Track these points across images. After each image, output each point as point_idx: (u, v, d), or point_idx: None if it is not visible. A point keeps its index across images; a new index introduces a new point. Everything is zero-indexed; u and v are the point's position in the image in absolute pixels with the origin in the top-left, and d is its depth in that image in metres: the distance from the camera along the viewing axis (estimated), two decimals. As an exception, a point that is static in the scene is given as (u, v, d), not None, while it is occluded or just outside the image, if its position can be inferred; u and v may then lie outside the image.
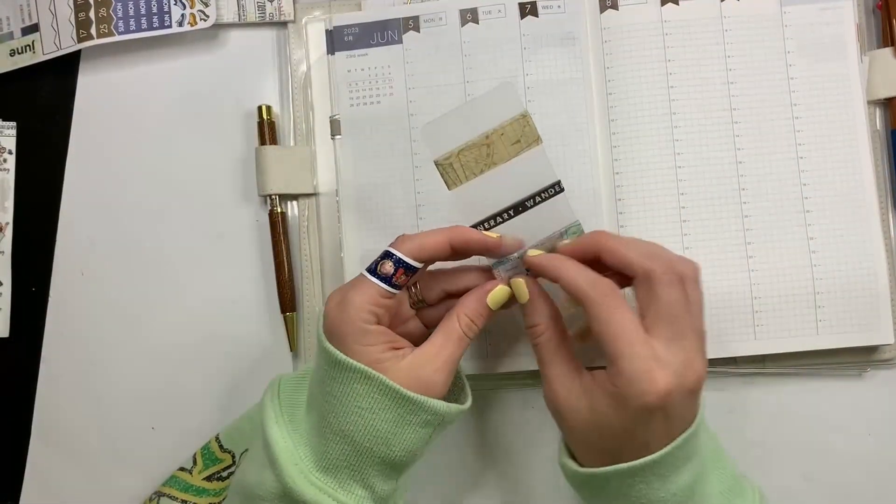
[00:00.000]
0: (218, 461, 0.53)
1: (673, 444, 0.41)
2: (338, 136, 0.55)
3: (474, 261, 0.48)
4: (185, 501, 0.52)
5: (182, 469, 0.54)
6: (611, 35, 0.54)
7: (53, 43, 0.58)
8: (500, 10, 0.55)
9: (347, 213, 0.55)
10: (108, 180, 0.59)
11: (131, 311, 0.58)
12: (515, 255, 0.46)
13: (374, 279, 0.44)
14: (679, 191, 0.53)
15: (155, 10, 0.57)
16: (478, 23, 0.55)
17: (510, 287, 0.46)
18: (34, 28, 0.59)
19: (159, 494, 0.53)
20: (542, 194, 0.47)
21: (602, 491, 0.43)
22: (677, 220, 0.53)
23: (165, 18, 0.57)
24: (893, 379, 0.54)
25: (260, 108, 0.58)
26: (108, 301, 0.58)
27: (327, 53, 0.56)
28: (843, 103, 0.53)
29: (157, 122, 0.59)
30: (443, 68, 0.55)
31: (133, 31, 0.57)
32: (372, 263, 0.44)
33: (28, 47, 0.59)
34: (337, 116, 0.55)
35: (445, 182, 0.46)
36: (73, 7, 0.58)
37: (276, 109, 0.58)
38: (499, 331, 0.53)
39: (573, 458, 0.45)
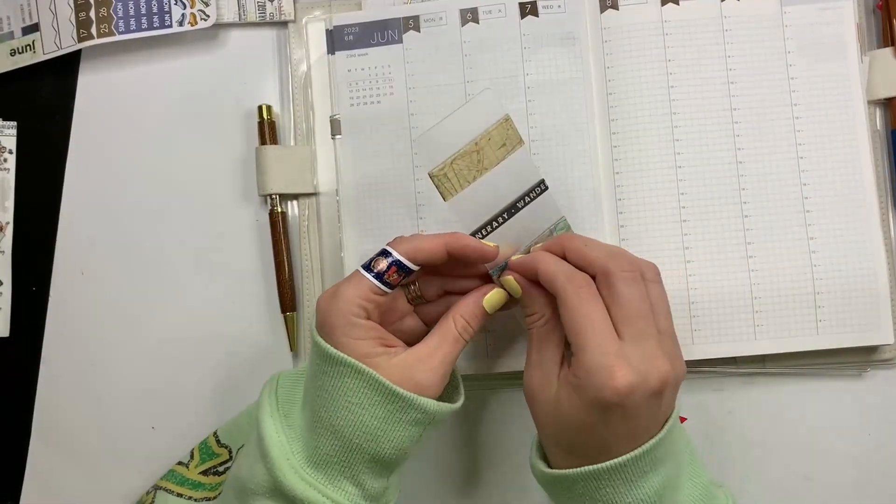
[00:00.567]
0: (215, 456, 0.53)
1: (641, 449, 0.41)
2: (338, 136, 0.55)
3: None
4: (182, 495, 0.52)
5: (179, 463, 0.54)
6: (611, 35, 0.54)
7: (54, 42, 0.58)
8: (500, 10, 0.55)
9: (347, 213, 0.55)
10: (109, 180, 0.59)
11: (131, 311, 0.58)
12: (512, 258, 0.47)
13: (366, 274, 0.44)
14: (679, 191, 0.53)
15: (155, 9, 0.57)
16: (478, 22, 0.55)
17: (504, 287, 0.46)
18: (34, 28, 0.59)
19: (156, 488, 0.53)
20: (531, 194, 0.48)
21: (569, 493, 0.43)
22: (677, 219, 0.53)
23: (166, 18, 0.58)
24: (893, 379, 0.54)
25: (260, 107, 0.58)
26: (109, 301, 0.58)
27: (327, 53, 0.56)
28: (844, 103, 0.53)
29: (158, 122, 0.59)
30: (443, 68, 0.55)
31: (133, 31, 0.57)
32: (368, 260, 0.45)
33: (28, 47, 0.59)
34: (337, 116, 0.55)
35: (441, 194, 0.46)
36: (73, 7, 0.58)
37: (276, 109, 0.58)
38: (499, 330, 0.53)
39: (545, 458, 0.46)
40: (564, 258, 0.45)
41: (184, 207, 0.58)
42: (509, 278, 0.46)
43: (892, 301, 0.52)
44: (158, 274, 0.58)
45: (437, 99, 0.55)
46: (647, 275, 0.44)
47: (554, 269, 0.43)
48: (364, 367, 0.42)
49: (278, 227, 0.57)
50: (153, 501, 0.52)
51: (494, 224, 0.47)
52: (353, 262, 0.54)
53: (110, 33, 0.57)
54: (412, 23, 0.55)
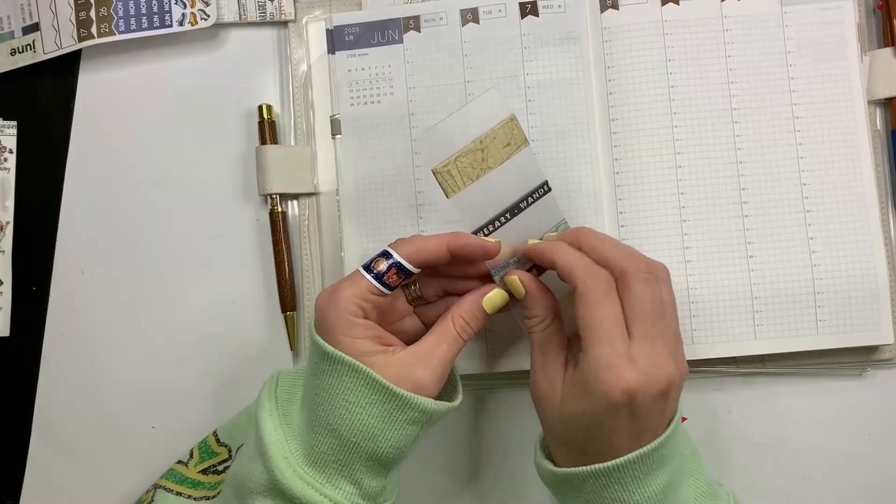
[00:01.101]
0: (214, 455, 0.53)
1: (650, 446, 0.41)
2: (338, 136, 0.55)
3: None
4: (181, 493, 0.52)
5: (179, 462, 0.54)
6: (611, 35, 0.54)
7: (54, 42, 0.58)
8: (500, 10, 0.55)
9: (348, 213, 0.55)
10: (109, 179, 0.59)
11: (132, 311, 0.58)
12: (513, 260, 0.47)
13: (366, 275, 0.44)
14: (679, 190, 0.53)
15: (156, 9, 0.57)
16: (478, 22, 0.55)
17: (506, 286, 0.46)
18: (35, 27, 0.59)
19: (156, 487, 0.53)
20: (534, 195, 0.48)
21: (577, 492, 0.43)
22: (677, 219, 0.53)
23: (166, 18, 0.58)
24: (893, 379, 0.54)
25: (260, 107, 0.58)
26: (109, 300, 0.58)
27: (328, 53, 0.56)
28: (844, 103, 0.53)
29: (158, 122, 0.59)
30: (443, 68, 0.55)
31: (134, 31, 0.57)
32: (368, 260, 0.45)
33: (29, 46, 0.59)
34: (337, 116, 0.55)
35: (444, 190, 0.46)
36: (73, 6, 0.58)
37: (276, 109, 0.58)
38: (499, 330, 0.53)
39: (550, 458, 0.46)
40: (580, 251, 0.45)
41: (184, 207, 0.58)
42: (514, 278, 0.46)
43: (892, 301, 0.52)
44: (158, 273, 0.58)
45: (438, 99, 0.55)
46: (661, 276, 0.44)
47: (574, 261, 0.43)
48: (361, 365, 0.42)
49: (278, 227, 0.57)
50: (153, 500, 0.52)
51: (497, 223, 0.47)
52: (353, 261, 0.54)
53: (110, 33, 0.57)
54: (412, 23, 0.55)
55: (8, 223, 0.59)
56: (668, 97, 0.53)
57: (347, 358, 0.42)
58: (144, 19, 0.58)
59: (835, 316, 0.52)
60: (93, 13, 0.57)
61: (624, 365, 0.40)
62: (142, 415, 0.58)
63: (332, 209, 0.57)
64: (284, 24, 0.59)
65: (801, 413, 0.55)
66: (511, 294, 0.46)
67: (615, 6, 0.54)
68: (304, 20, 0.58)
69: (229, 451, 0.54)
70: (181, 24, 0.58)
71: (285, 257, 0.57)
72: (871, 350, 0.53)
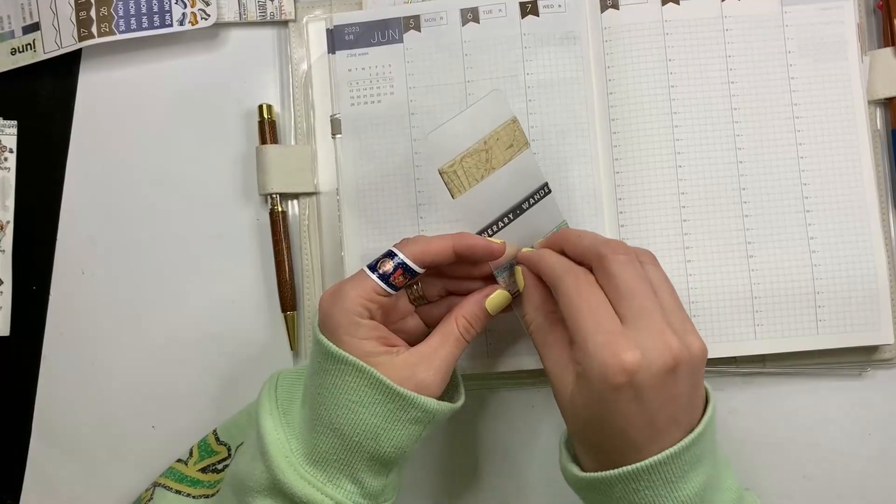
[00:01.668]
0: (213, 453, 0.53)
1: (681, 444, 0.39)
2: (338, 136, 0.55)
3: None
4: (180, 492, 0.52)
5: (179, 461, 0.54)
6: (611, 34, 0.54)
7: (54, 42, 0.58)
8: (500, 10, 0.55)
9: (348, 213, 0.55)
10: (109, 179, 0.59)
11: (132, 310, 0.58)
12: (522, 250, 0.47)
13: (372, 275, 0.44)
14: (679, 190, 0.53)
15: (156, 8, 0.57)
16: (478, 22, 0.55)
17: (508, 287, 0.46)
18: (35, 27, 0.59)
19: (155, 485, 0.53)
20: (535, 196, 0.48)
21: (606, 497, 0.41)
22: (677, 219, 0.53)
23: (166, 17, 0.58)
24: (893, 379, 0.54)
25: (261, 107, 0.58)
26: (109, 300, 0.58)
27: (328, 52, 0.56)
28: (844, 103, 0.53)
29: (158, 121, 0.59)
30: (444, 68, 0.55)
31: (134, 30, 0.57)
32: (373, 260, 0.45)
33: (29, 46, 0.59)
34: (338, 115, 0.55)
35: (450, 190, 0.46)
36: (73, 6, 0.58)
37: (276, 108, 0.58)
38: (499, 330, 0.53)
39: (577, 462, 0.44)
40: (564, 254, 0.45)
41: (184, 207, 0.58)
42: (518, 269, 0.46)
43: (892, 301, 0.52)
44: (159, 273, 0.58)
45: (438, 98, 0.55)
46: (644, 259, 0.43)
47: (553, 263, 0.43)
48: (365, 365, 0.42)
49: (279, 227, 0.57)
50: (152, 498, 0.52)
51: (500, 224, 0.47)
52: (353, 261, 0.54)
53: (111, 32, 0.57)
54: (413, 22, 0.55)
55: (8, 223, 0.59)
56: (669, 97, 0.53)
57: (352, 358, 0.42)
58: (145, 19, 0.58)
59: (835, 316, 0.52)
60: (93, 13, 0.57)
61: (617, 341, 0.38)
62: (142, 415, 0.58)
63: (333, 209, 0.57)
64: (285, 23, 0.59)
65: (801, 413, 0.55)
66: (513, 294, 0.47)
67: (615, 6, 0.54)
68: (304, 20, 0.58)
69: (229, 449, 0.54)
70: (181, 23, 0.58)
71: (285, 257, 0.57)
72: (871, 350, 0.53)
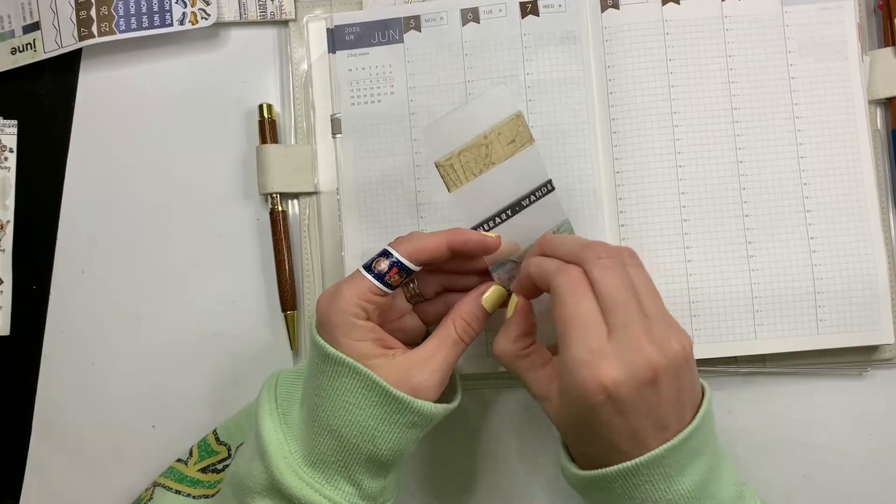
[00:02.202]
0: (213, 453, 0.53)
1: (677, 439, 0.40)
2: (339, 135, 0.55)
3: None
4: (180, 492, 0.52)
5: (179, 461, 0.54)
6: (612, 34, 0.54)
7: (55, 41, 0.58)
8: (500, 10, 0.55)
9: (348, 212, 0.55)
10: (109, 179, 0.59)
11: (132, 310, 0.58)
12: (513, 257, 0.47)
13: (367, 275, 0.44)
14: (680, 190, 0.53)
15: (156, 8, 0.57)
16: (479, 22, 0.55)
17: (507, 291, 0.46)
18: (35, 26, 0.59)
19: (155, 485, 0.53)
20: (536, 193, 0.47)
21: (605, 493, 0.42)
22: (678, 219, 0.53)
23: (166, 17, 0.58)
24: (893, 379, 0.54)
25: (261, 106, 0.58)
26: (109, 299, 0.58)
27: (328, 52, 0.56)
28: (844, 103, 0.53)
29: (158, 121, 0.59)
30: (444, 67, 0.55)
31: (134, 30, 0.58)
32: (368, 260, 0.45)
33: (29, 45, 0.59)
34: (338, 115, 0.55)
35: (446, 184, 0.46)
36: (74, 5, 0.58)
37: (276, 108, 0.58)
38: (499, 329, 0.53)
39: (575, 461, 0.44)
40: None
41: (184, 206, 0.58)
42: (513, 297, 0.46)
43: (892, 301, 0.52)
44: (159, 272, 0.58)
45: (438, 98, 0.55)
46: (626, 259, 0.42)
47: (544, 265, 0.43)
48: (362, 367, 0.42)
49: (279, 226, 0.57)
50: (152, 498, 0.52)
51: (497, 220, 0.47)
52: (353, 260, 0.54)
53: (111, 32, 0.57)
54: (413, 22, 0.55)
55: (8, 222, 0.59)
56: (669, 97, 0.53)
57: (348, 360, 0.42)
58: (145, 18, 0.58)
59: (835, 316, 0.52)
60: (93, 12, 0.57)
61: (597, 361, 0.39)
62: (142, 413, 0.58)
63: (333, 208, 0.57)
64: (285, 23, 0.59)
65: (801, 413, 0.55)
66: (509, 291, 0.46)
67: (616, 6, 0.54)
68: (304, 19, 0.58)
69: (229, 449, 0.54)
70: (182, 23, 0.58)
71: (286, 256, 0.57)
72: (871, 350, 0.53)
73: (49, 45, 0.58)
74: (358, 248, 0.55)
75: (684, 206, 0.53)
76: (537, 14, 0.54)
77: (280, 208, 0.57)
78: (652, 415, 0.40)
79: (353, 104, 0.55)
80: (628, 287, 0.41)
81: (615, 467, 0.40)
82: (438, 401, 0.44)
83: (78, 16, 0.58)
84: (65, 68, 0.59)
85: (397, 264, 0.44)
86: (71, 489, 0.58)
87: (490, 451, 0.56)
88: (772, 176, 0.53)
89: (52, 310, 0.59)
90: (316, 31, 0.58)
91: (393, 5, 0.56)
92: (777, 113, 0.53)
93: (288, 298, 0.57)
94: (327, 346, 0.43)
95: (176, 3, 0.58)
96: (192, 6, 0.58)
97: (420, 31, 0.55)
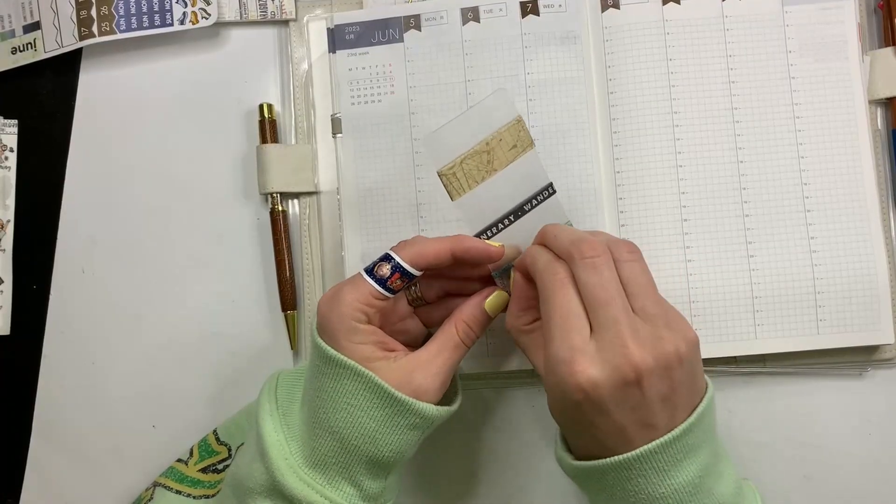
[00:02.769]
0: (214, 453, 0.53)
1: (671, 434, 0.40)
2: (339, 135, 0.55)
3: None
4: (181, 492, 0.52)
5: (179, 461, 0.54)
6: (612, 34, 0.54)
7: (55, 41, 0.58)
8: (501, 9, 0.55)
9: (348, 212, 0.55)
10: (110, 178, 0.59)
11: (132, 309, 0.58)
12: (515, 262, 0.47)
13: (369, 279, 0.44)
14: (680, 190, 0.53)
15: (156, 7, 0.57)
16: (479, 21, 0.55)
17: (508, 289, 0.46)
18: (36, 26, 0.59)
19: (156, 485, 0.53)
20: (538, 197, 0.47)
21: (599, 484, 0.42)
22: (678, 219, 0.53)
23: (167, 16, 0.58)
24: (893, 379, 0.54)
25: (261, 106, 0.58)
26: (109, 299, 0.58)
27: (328, 52, 0.56)
28: (845, 103, 0.53)
29: (159, 121, 0.59)
30: (444, 67, 0.55)
31: (135, 29, 0.58)
32: (370, 264, 0.44)
33: (29, 45, 0.59)
34: (338, 115, 0.55)
35: (449, 193, 0.46)
36: (74, 5, 0.58)
37: (277, 108, 0.58)
38: (499, 330, 0.53)
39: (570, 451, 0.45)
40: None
41: (184, 206, 0.58)
42: (512, 271, 0.46)
43: (892, 301, 0.52)
44: (159, 272, 0.58)
45: (438, 98, 0.55)
46: (620, 255, 0.42)
47: (534, 258, 0.43)
48: (364, 369, 0.42)
49: (279, 226, 0.57)
50: (152, 498, 0.52)
51: (500, 226, 0.47)
52: (353, 260, 0.54)
53: (111, 31, 0.57)
54: (413, 22, 0.55)
55: (8, 222, 0.59)
56: (669, 96, 0.53)
57: (350, 362, 0.42)
58: (145, 18, 0.58)
59: (835, 316, 0.52)
60: (94, 12, 0.57)
61: (576, 359, 0.39)
62: (142, 413, 0.58)
63: (333, 208, 0.57)
64: (285, 22, 0.59)
65: (801, 413, 0.55)
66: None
67: (616, 5, 0.54)
68: (304, 19, 0.58)
69: (229, 450, 0.54)
70: (182, 22, 0.58)
71: (286, 256, 0.57)
72: (871, 350, 0.53)
73: (49, 45, 0.58)
74: (358, 247, 0.55)
75: (684, 206, 0.53)
76: (537, 14, 0.54)
77: (280, 208, 0.57)
78: (637, 413, 0.40)
79: (353, 104, 0.55)
80: (612, 286, 0.40)
81: (605, 460, 0.40)
82: (439, 403, 0.44)
83: (78, 15, 0.58)
84: (65, 68, 0.59)
85: (399, 269, 0.44)
86: (71, 489, 0.58)
87: (490, 450, 0.56)
88: (772, 176, 0.53)
89: (52, 310, 0.59)
90: (316, 31, 0.57)
91: (393, 4, 0.56)
92: (777, 113, 0.53)
93: (288, 298, 0.57)
94: (329, 348, 0.43)
95: (176, 2, 0.58)
96: (192, 6, 0.58)
97: (420, 31, 0.55)
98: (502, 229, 0.47)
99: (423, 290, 0.47)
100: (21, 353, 0.58)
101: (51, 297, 0.59)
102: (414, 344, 0.48)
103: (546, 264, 0.42)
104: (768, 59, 0.54)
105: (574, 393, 0.39)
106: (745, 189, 0.53)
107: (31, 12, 0.59)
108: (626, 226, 0.53)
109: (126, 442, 0.58)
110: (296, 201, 0.58)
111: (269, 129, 0.57)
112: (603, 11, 0.54)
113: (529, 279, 0.45)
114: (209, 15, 0.58)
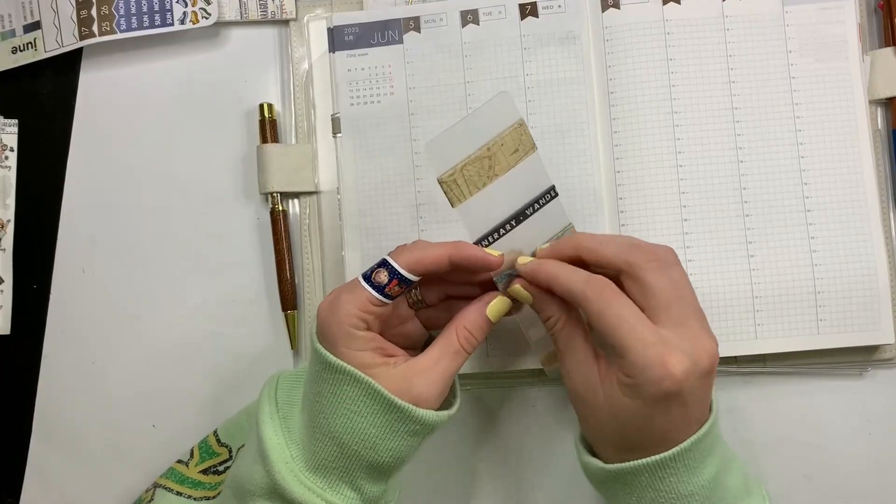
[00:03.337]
0: (215, 455, 0.53)
1: (700, 432, 0.41)
2: (339, 135, 0.55)
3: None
4: (181, 493, 0.52)
5: (179, 462, 0.54)
6: (612, 34, 0.54)
7: (55, 40, 0.58)
8: (500, 11, 0.55)
9: (349, 212, 0.55)
10: (110, 178, 0.59)
11: (132, 309, 0.58)
12: (520, 263, 0.46)
13: (367, 286, 0.43)
14: (680, 190, 0.53)
15: (157, 7, 0.57)
16: (478, 24, 0.55)
17: (511, 296, 0.46)
18: (36, 25, 0.59)
19: (156, 486, 0.53)
20: (540, 201, 0.47)
21: (629, 487, 0.42)
22: (678, 218, 0.53)
23: (167, 16, 0.58)
24: (893, 379, 0.54)
25: (261, 106, 0.58)
26: (109, 299, 0.58)
27: (328, 52, 0.56)
28: (845, 103, 0.53)
29: (159, 120, 0.59)
30: (443, 68, 0.55)
31: (135, 29, 0.58)
32: (368, 269, 0.44)
33: (30, 45, 0.59)
34: (338, 115, 0.55)
35: (449, 200, 0.45)
36: (74, 4, 0.58)
37: (277, 107, 0.58)
38: (498, 330, 0.53)
39: (594, 455, 0.45)
40: (577, 259, 0.44)
41: (185, 205, 0.58)
42: (517, 287, 0.45)
43: (892, 301, 0.52)
44: (159, 272, 0.58)
45: (438, 99, 0.55)
46: (669, 259, 0.43)
47: (568, 278, 0.43)
48: (363, 376, 0.42)
49: (279, 226, 0.57)
50: (153, 499, 0.52)
51: (501, 231, 0.46)
52: (353, 260, 0.54)
53: (112, 31, 0.57)
54: (413, 23, 0.55)
55: (9, 221, 0.59)
56: (670, 96, 0.53)
57: (350, 368, 0.42)
58: (146, 18, 0.58)
59: (835, 315, 0.52)
60: (94, 11, 0.57)
61: (666, 353, 0.40)
62: (142, 413, 0.58)
63: (333, 208, 0.57)
64: (286, 22, 0.59)
65: (801, 413, 0.55)
66: (514, 300, 0.46)
67: (616, 5, 0.54)
68: (305, 19, 0.58)
69: (230, 451, 0.53)
70: (182, 22, 0.58)
71: (286, 256, 0.57)
72: (871, 350, 0.53)
73: (50, 45, 0.58)
74: (358, 247, 0.55)
75: (685, 206, 0.53)
76: (536, 15, 0.54)
77: (280, 208, 0.57)
78: (702, 404, 0.42)
79: (352, 104, 0.55)
80: (677, 286, 0.42)
81: (646, 460, 0.41)
82: (439, 407, 0.44)
83: (79, 15, 0.58)
84: (65, 67, 0.60)
85: (397, 275, 0.43)
86: (71, 489, 0.58)
87: (489, 451, 0.56)
88: (772, 175, 0.53)
89: (52, 309, 0.59)
90: (317, 31, 0.58)
91: (393, 6, 0.56)
92: (777, 112, 0.53)
93: (288, 298, 0.57)
94: (328, 354, 0.43)
95: (177, 2, 0.58)
96: (192, 6, 0.58)
97: (420, 32, 0.55)
98: (504, 234, 0.46)
99: (423, 294, 0.47)
100: (21, 353, 0.58)
101: (51, 296, 0.59)
102: (415, 347, 0.48)
103: (586, 281, 0.42)
104: (768, 58, 0.54)
105: (671, 387, 0.39)
106: (745, 189, 0.53)
107: (32, 12, 0.59)
108: (626, 225, 0.53)
109: (126, 442, 0.58)
110: (296, 201, 0.58)
111: (269, 129, 0.57)
112: (603, 11, 0.54)
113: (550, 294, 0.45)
114: (209, 15, 0.58)
